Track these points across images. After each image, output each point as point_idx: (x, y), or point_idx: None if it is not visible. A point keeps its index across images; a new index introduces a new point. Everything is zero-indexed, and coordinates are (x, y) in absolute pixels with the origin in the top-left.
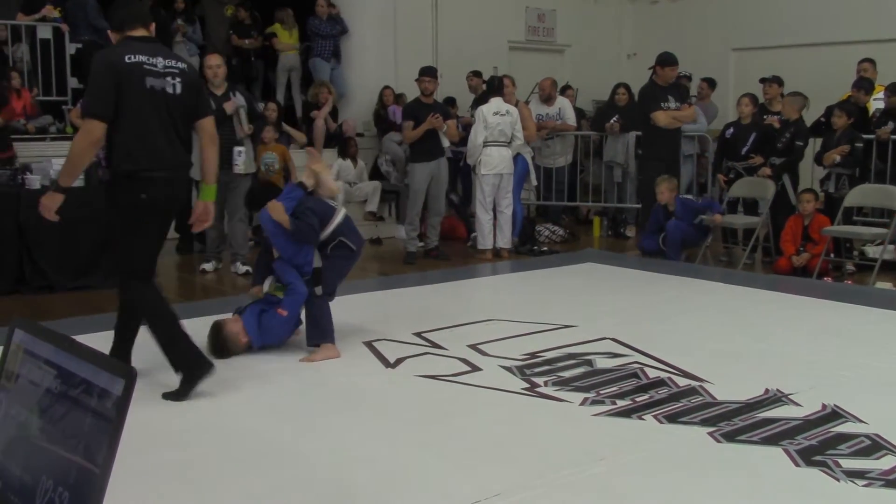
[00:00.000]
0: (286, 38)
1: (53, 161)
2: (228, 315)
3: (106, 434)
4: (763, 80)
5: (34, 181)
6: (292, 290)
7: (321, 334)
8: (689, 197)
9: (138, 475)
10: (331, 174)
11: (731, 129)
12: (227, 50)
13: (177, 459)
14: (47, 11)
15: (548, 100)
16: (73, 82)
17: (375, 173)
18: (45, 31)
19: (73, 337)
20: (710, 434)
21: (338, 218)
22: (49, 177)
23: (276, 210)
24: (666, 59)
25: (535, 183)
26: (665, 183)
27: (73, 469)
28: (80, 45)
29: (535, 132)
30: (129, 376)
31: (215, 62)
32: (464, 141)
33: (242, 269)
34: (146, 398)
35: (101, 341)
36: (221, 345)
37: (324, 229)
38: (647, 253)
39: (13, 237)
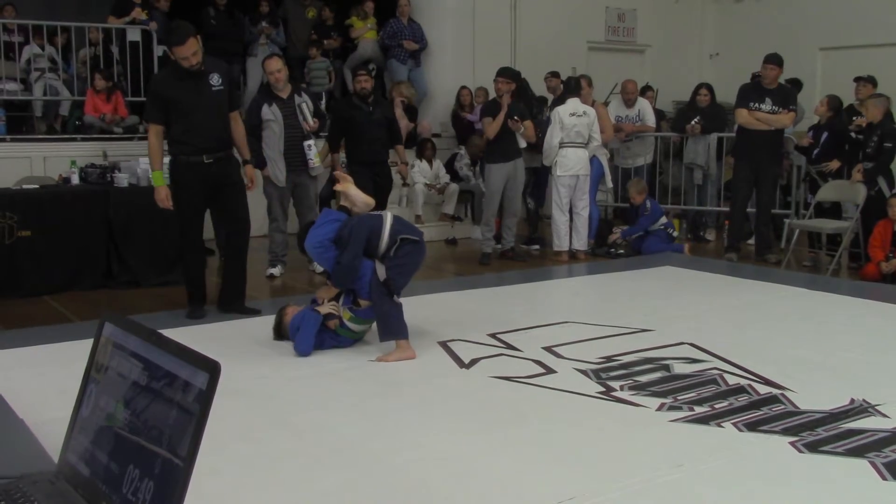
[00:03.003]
0: (361, 25)
1: (141, 160)
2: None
3: (190, 428)
4: (858, 79)
5: (122, 179)
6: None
7: (392, 331)
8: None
9: (213, 469)
10: (359, 191)
11: (811, 132)
12: (308, 51)
13: (251, 454)
14: (136, 14)
15: (630, 101)
16: None
17: (451, 175)
18: (134, 34)
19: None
20: (792, 444)
21: (388, 221)
22: (136, 175)
23: (330, 290)
24: (765, 57)
25: (610, 185)
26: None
27: (158, 461)
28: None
29: (613, 133)
30: (213, 370)
31: (275, 67)
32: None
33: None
34: (218, 392)
35: (185, 336)
36: (278, 328)
37: (380, 239)
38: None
39: (102, 234)
